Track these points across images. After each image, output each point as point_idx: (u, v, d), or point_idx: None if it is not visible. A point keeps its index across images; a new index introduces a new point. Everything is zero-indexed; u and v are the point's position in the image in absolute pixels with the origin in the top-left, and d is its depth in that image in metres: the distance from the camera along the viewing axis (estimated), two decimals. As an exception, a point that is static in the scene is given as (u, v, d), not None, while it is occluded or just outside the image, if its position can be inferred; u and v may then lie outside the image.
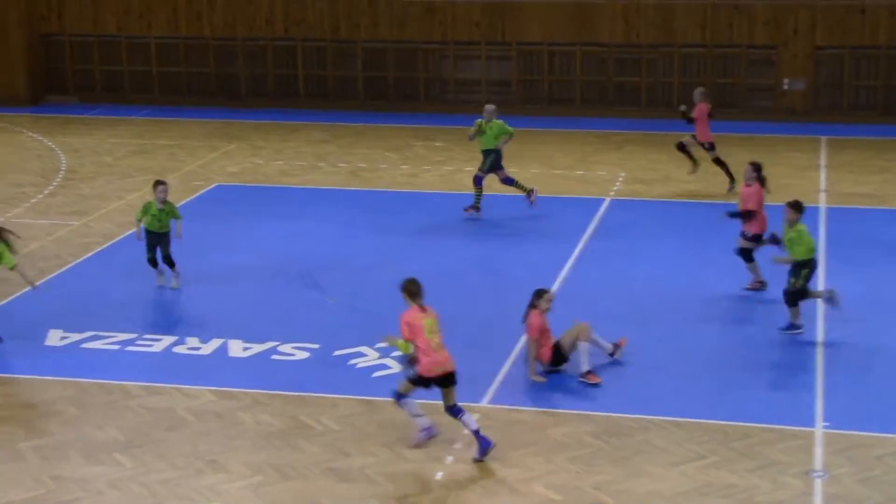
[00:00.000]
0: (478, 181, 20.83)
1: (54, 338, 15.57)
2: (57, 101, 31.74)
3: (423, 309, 12.43)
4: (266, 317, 16.35)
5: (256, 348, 15.19)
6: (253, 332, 15.68)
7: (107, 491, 11.69)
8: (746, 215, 16.97)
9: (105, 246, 19.54)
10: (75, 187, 23.24)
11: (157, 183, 17.65)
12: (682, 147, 22.57)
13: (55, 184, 23.54)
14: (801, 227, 15.45)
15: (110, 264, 18.69)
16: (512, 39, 29.94)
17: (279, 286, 17.68)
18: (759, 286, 17.10)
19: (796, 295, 15.42)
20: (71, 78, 31.97)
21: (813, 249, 15.47)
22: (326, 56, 30.90)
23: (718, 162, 22.41)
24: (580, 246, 19.26)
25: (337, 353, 15.06)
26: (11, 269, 15.59)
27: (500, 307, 16.55)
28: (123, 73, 31.72)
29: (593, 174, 24.05)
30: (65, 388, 14.07)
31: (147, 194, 22.44)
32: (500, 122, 20.98)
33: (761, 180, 17.12)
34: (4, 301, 16.94)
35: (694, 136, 22.36)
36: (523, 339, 14.73)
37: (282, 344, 15.33)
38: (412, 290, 12.51)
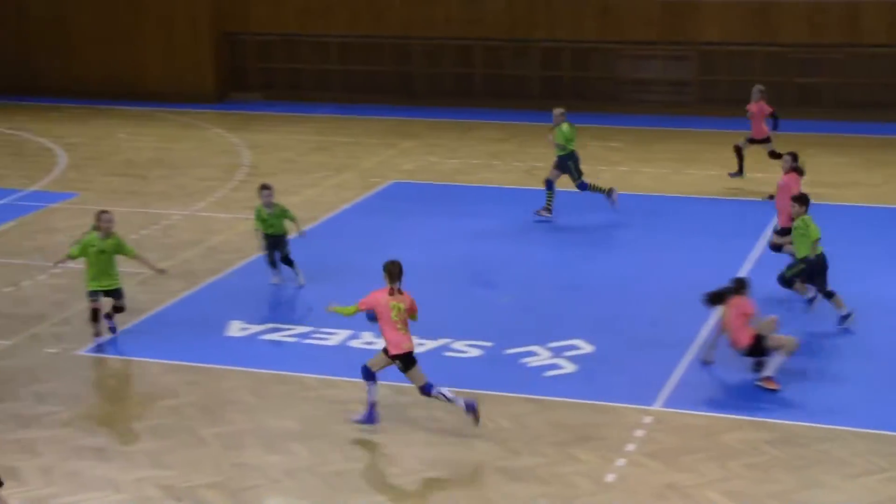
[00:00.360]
0: (583, 187, 20.70)
1: (235, 329, 15.99)
2: (241, 99, 32.59)
3: (398, 292, 12.95)
4: (439, 314, 16.45)
5: (429, 345, 15.32)
6: (426, 328, 15.77)
7: (283, 479, 11.95)
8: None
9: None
10: (257, 182, 23.71)
11: (262, 187, 17.71)
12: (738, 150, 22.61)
13: (238, 179, 24.17)
14: (807, 218, 15.67)
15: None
16: (690, 39, 29.56)
17: (452, 284, 17.82)
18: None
19: (784, 283, 16.03)
20: (254, 76, 32.79)
21: (812, 245, 15.58)
22: (503, 55, 31.01)
23: (773, 154, 22.18)
24: (758, 248, 18.89)
25: (508, 351, 15.11)
26: (133, 258, 15.87)
27: (671, 308, 16.38)
28: (304, 71, 32.39)
29: (776, 177, 23.55)
30: (244, 377, 14.44)
31: (326, 190, 22.92)
32: (568, 127, 20.62)
33: (798, 170, 17.32)
34: (190, 292, 17.45)
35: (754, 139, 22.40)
36: (700, 338, 14.54)
37: (454, 341, 15.44)
38: (392, 271, 13.00)
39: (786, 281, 16.00)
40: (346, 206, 22.00)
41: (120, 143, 27.61)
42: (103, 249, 15.36)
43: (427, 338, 15.48)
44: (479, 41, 31.13)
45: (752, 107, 22.31)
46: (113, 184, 23.72)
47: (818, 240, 15.69)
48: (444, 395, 12.89)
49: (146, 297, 17.14)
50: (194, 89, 32.21)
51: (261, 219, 17.59)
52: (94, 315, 15.35)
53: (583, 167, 20.95)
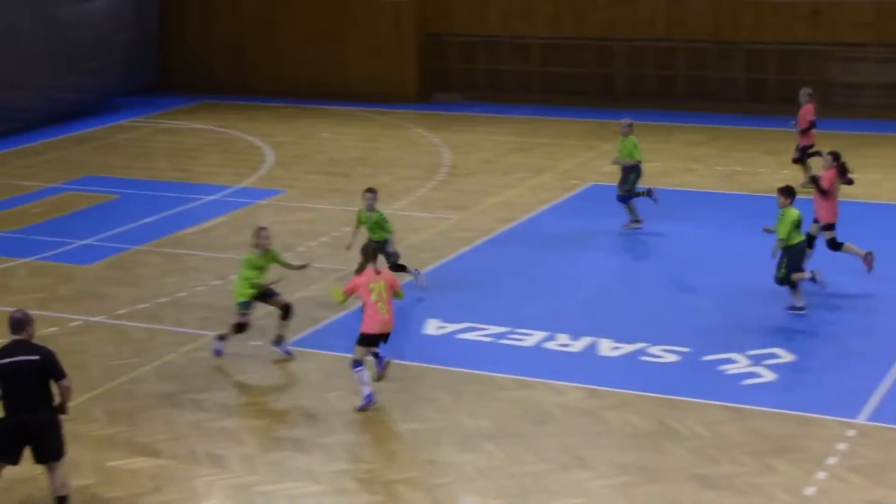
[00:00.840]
0: (624, 200, 20.29)
1: (432, 327, 16.18)
2: (443, 99, 32.94)
3: (377, 272, 13.63)
4: (637, 317, 16.35)
5: (626, 348, 15.22)
6: (623, 331, 15.72)
7: (477, 478, 12.05)
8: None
9: (483, 240, 20.12)
10: (457, 182, 24.05)
11: (367, 191, 17.61)
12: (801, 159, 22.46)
13: (438, 178, 24.45)
14: (789, 210, 16.10)
15: (487, 258, 19.23)
16: (905, 41, 28.61)
17: (650, 287, 17.65)
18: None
19: (783, 282, 16.33)
20: (456, 76, 33.10)
21: (790, 233, 16.03)
22: (706, 57, 30.55)
23: (797, 161, 22.44)
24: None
25: (706, 357, 14.89)
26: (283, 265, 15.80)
27: (877, 318, 15.92)
28: (505, 72, 32.54)
29: None
30: (440, 375, 14.60)
31: (524, 191, 22.99)
32: (634, 140, 20.14)
33: (840, 168, 17.46)
34: (388, 289, 17.72)
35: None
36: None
37: (651, 346, 15.29)
38: (366, 252, 13.95)
39: (784, 280, 16.35)
40: (543, 207, 22.02)
41: (324, 141, 28.24)
42: (261, 266, 15.42)
43: (623, 341, 15.38)
44: (682, 42, 30.72)
45: None
46: (317, 181, 24.29)
47: (797, 227, 16.13)
48: (361, 379, 13.64)
49: (347, 294, 17.48)
50: (397, 90, 32.72)
51: (362, 221, 17.58)
52: (241, 328, 15.26)
53: (786, 172, 20.47)
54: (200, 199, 23.11)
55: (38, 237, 20.72)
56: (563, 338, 15.64)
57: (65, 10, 30.59)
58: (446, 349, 15.45)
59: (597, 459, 12.37)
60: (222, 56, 34.34)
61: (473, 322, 16.25)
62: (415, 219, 21.42)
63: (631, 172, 20.37)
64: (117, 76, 32.59)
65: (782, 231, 16.12)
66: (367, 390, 13.70)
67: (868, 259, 17.32)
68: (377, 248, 14.72)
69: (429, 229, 20.79)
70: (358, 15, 33.02)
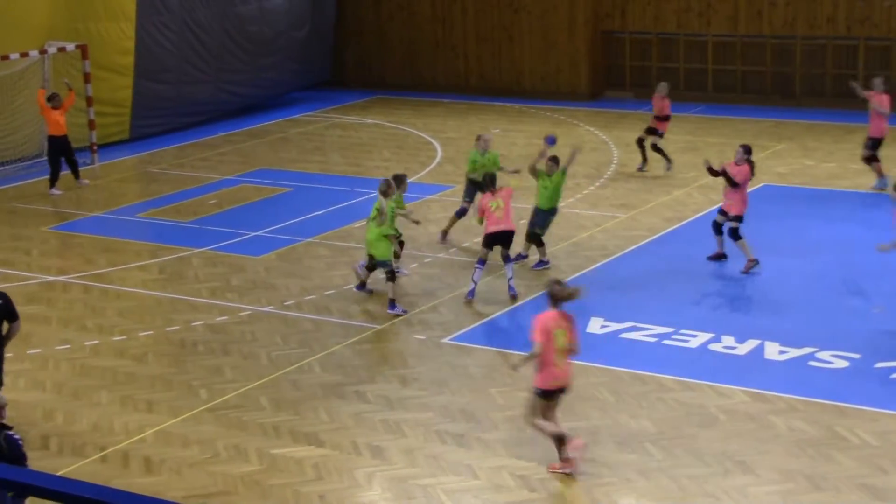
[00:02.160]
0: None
1: (595, 325, 16.07)
2: (614, 97, 32.70)
3: (493, 193, 17.04)
4: (805, 321, 15.96)
5: (793, 353, 14.87)
6: (791, 335, 15.36)
7: (636, 479, 11.93)
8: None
9: (650, 239, 19.90)
10: (625, 181, 23.84)
11: (479, 138, 20.28)
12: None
13: (606, 177, 24.27)
14: None
15: (654, 258, 19.02)
16: None
17: (820, 291, 17.21)
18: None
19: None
20: (629, 74, 32.82)
21: None
22: (891, 56, 29.61)
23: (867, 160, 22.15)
24: None
25: (878, 364, 14.44)
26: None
27: None
28: (679, 70, 32.13)
29: None
30: (602, 374, 14.50)
31: (694, 191, 22.64)
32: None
33: (750, 163, 18.18)
34: (552, 286, 17.67)
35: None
36: None
37: (820, 350, 14.90)
38: (488, 179, 17.30)
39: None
40: (713, 207, 21.62)
41: (495, 138, 28.26)
42: (483, 164, 19.30)
43: (791, 346, 15.03)
44: (864, 41, 29.85)
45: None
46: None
47: None
48: (474, 275, 17.16)
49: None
50: (569, 87, 32.61)
51: (473, 160, 19.71)
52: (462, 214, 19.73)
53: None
54: (371, 193, 23.36)
55: (212, 228, 21.30)
56: (728, 340, 15.36)
57: (245, 7, 31.38)
58: (609, 348, 15.33)
59: (760, 465, 12.11)
60: (396, 52, 34.75)
61: (637, 322, 16.08)
62: (582, 216, 21.31)
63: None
64: (294, 72, 33.30)
65: None
66: (472, 286, 16.87)
67: (749, 265, 17.85)
68: (492, 177, 17.55)
69: (595, 227, 20.66)
70: (531, 12, 33.02)
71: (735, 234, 18.07)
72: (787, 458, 12.24)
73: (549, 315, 12.04)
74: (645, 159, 24.35)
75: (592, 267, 18.51)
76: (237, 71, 31.40)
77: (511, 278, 17.17)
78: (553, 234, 20.19)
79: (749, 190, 20.44)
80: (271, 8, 32.18)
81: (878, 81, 22.36)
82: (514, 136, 28.52)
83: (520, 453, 12.56)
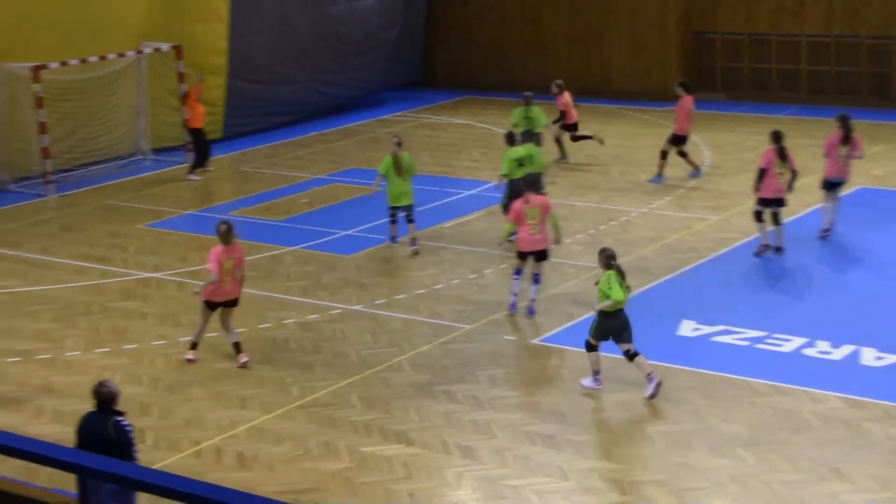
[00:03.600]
0: None
1: (686, 328, 15.95)
2: (705, 98, 32.38)
3: (526, 201, 16.15)
4: (902, 327, 15.70)
5: (890, 359, 14.62)
6: (888, 341, 15.11)
7: (728, 484, 11.81)
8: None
9: (742, 242, 19.69)
10: (716, 182, 23.62)
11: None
12: None
13: (698, 178, 24.05)
14: None
15: (745, 261, 18.82)
16: None
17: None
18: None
19: None
20: (720, 75, 32.50)
21: None
22: None
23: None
24: None
25: (980, 372, 14.16)
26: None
27: None
28: (771, 70, 31.74)
29: None
30: (693, 378, 14.38)
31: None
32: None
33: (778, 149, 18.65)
34: (644, 289, 17.57)
35: None
36: None
37: (917, 357, 14.64)
38: (529, 182, 16.85)
39: None
40: (806, 210, 21.37)
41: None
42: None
43: (888, 352, 14.80)
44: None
45: None
46: (576, 178, 24.28)
47: None
48: (511, 286, 16.75)
49: (601, 292, 17.43)
50: (659, 88, 32.36)
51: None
52: None
53: None
54: (460, 193, 23.46)
55: (303, 226, 21.48)
56: (823, 345, 15.15)
57: (337, 8, 31.60)
58: (700, 351, 15.20)
59: (856, 472, 11.93)
60: (485, 53, 34.77)
61: (729, 325, 15.92)
62: (672, 218, 21.15)
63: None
64: (384, 72, 33.47)
65: None
66: (511, 298, 16.52)
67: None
68: (535, 181, 17.40)
69: (686, 229, 20.49)
70: (621, 12, 32.85)
71: (756, 216, 18.83)
72: (885, 467, 12.04)
73: (218, 249, 14.93)
74: (696, 166, 24.00)
75: (683, 269, 18.36)
76: (328, 71, 31.63)
77: (535, 300, 16.57)
78: (644, 236, 20.10)
79: (844, 193, 20.20)
80: (362, 8, 32.38)
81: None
82: (604, 136, 28.35)
83: (610, 455, 12.51)
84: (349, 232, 20.98)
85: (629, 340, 13.83)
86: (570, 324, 16.27)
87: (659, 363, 14.77)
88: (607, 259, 13.80)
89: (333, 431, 13.26)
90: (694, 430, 13.02)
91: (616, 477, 12.04)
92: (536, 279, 16.53)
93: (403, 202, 19.60)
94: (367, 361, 15.23)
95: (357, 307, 17.23)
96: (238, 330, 15.87)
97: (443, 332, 16.11)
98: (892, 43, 30.07)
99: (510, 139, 20.00)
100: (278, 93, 30.24)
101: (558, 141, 25.67)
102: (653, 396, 13.68)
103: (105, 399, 10.22)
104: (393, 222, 19.88)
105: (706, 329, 15.86)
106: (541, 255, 16.44)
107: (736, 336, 15.59)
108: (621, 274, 13.76)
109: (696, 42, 32.60)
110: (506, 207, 19.73)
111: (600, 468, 12.25)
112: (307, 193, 23.88)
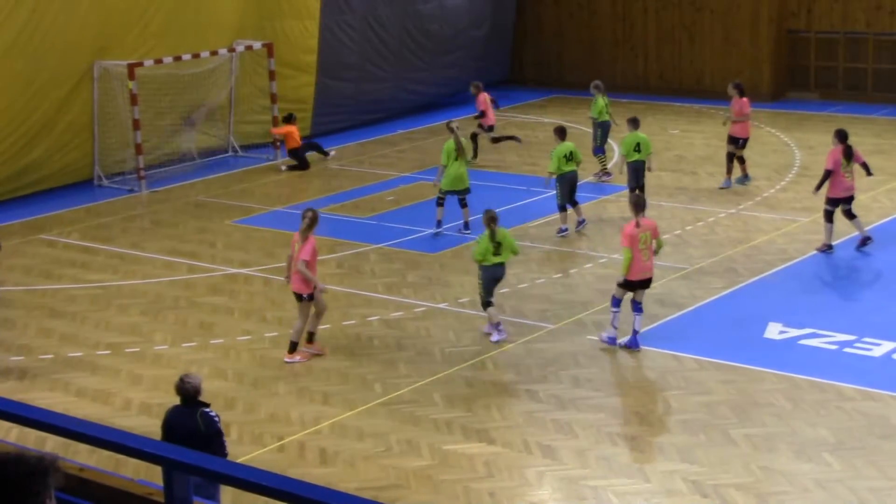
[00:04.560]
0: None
1: (773, 331, 15.75)
2: (797, 98, 31.95)
3: (638, 224, 15.01)
4: None
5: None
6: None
7: (813, 489, 11.64)
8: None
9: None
10: (807, 184, 23.22)
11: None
12: None
13: (787, 179, 23.75)
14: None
15: (836, 263, 18.55)
16: None
17: None
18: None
19: None
20: (813, 74, 32.03)
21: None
22: None
23: None
24: None
25: None
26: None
27: None
28: (867, 70, 31.21)
29: None
30: (779, 381, 14.19)
31: (881, 195, 21.98)
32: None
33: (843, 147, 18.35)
34: (730, 290, 17.40)
35: None
36: None
37: None
38: (636, 203, 15.28)
39: None
40: (898, 212, 21.02)
41: (672, 138, 27.99)
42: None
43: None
44: None
45: None
46: (663, 179, 24.07)
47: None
48: (612, 319, 15.38)
49: (687, 292, 17.30)
50: (751, 87, 31.87)
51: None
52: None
53: None
54: (546, 192, 23.35)
55: (389, 224, 21.58)
56: (887, 345, 14.87)
57: (426, 6, 31.70)
58: (787, 354, 14.99)
59: (944, 480, 11.70)
60: (575, 51, 34.64)
61: (817, 328, 15.69)
62: (761, 220, 20.90)
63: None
64: (473, 70, 33.44)
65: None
66: (612, 332, 15.34)
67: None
68: (639, 198, 15.98)
69: (775, 231, 20.23)
70: (715, 10, 32.51)
71: (827, 216, 18.74)
72: (973, 474, 11.80)
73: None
74: (746, 175, 23.42)
75: (772, 271, 18.13)
76: (417, 69, 31.74)
77: (638, 331, 15.36)
78: (731, 238, 19.89)
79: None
80: (452, 6, 32.44)
81: None
82: (694, 136, 28.15)
83: (692, 458, 12.39)
84: (434, 230, 21.00)
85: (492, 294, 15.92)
86: (654, 325, 16.14)
87: (745, 365, 14.63)
88: (488, 220, 15.64)
89: (415, 429, 13.30)
90: (779, 433, 12.85)
91: (698, 479, 11.92)
92: (639, 308, 15.32)
93: (460, 186, 20.13)
94: (450, 359, 15.26)
95: (441, 305, 17.26)
96: (322, 326, 15.99)
97: (526, 332, 16.08)
98: None
99: (561, 133, 20.46)
100: (367, 91, 30.42)
101: (474, 138, 25.97)
102: (496, 342, 15.49)
103: (189, 394, 10.40)
104: (440, 205, 20.46)
105: (793, 332, 15.65)
106: (647, 283, 15.46)
107: (824, 339, 15.36)
108: (493, 234, 15.51)
109: (790, 41, 32.15)
110: (561, 207, 20.28)
111: (682, 470, 12.14)
112: (394, 191, 23.98)
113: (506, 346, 15.63)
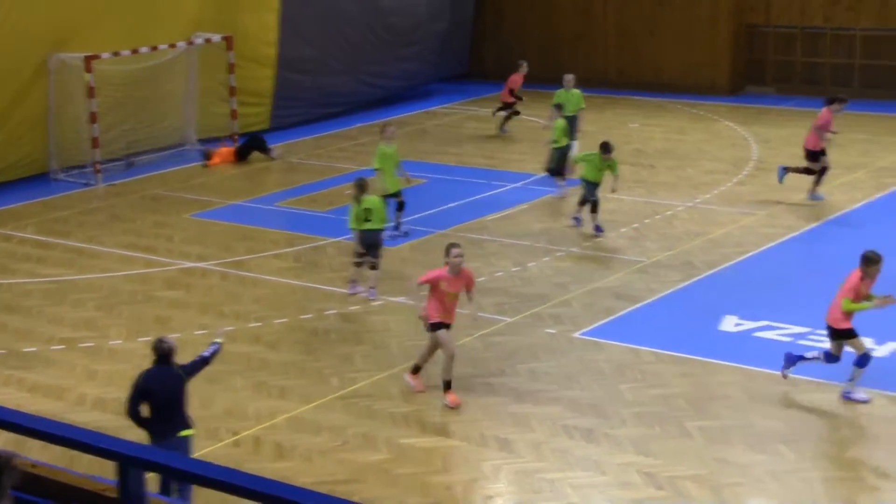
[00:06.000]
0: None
1: (729, 324, 15.84)
2: (755, 92, 32.14)
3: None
4: (949, 325, 15.50)
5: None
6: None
7: (767, 481, 11.72)
8: None
9: (787, 238, 19.55)
10: (764, 177, 23.41)
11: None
12: None
13: (744, 173, 23.89)
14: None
15: (791, 256, 18.68)
16: None
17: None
18: None
19: None
20: (771, 69, 32.22)
21: None
22: None
23: None
24: None
25: None
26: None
27: None
28: (824, 65, 31.42)
29: None
30: (734, 373, 14.29)
31: (835, 189, 22.12)
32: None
33: None
34: (687, 283, 17.49)
35: None
36: None
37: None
38: (871, 257, 13.40)
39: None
40: (854, 206, 21.18)
41: (631, 132, 28.08)
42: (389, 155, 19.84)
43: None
44: None
45: None
46: (622, 172, 24.09)
47: None
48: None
49: (643, 286, 17.37)
50: (709, 81, 32.15)
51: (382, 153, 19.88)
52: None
53: None
54: (505, 185, 23.43)
55: (347, 218, 21.47)
56: (866, 341, 14.97)
57: (387, -1, 31.65)
58: (743, 347, 15.09)
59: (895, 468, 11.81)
60: (534, 45, 34.65)
61: (773, 321, 15.80)
62: (718, 213, 21.02)
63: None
64: (432, 64, 33.47)
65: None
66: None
67: None
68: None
69: (732, 224, 20.35)
70: (673, 5, 32.63)
71: None
72: (925, 465, 11.93)
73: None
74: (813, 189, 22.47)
75: (728, 264, 18.24)
76: (376, 62, 31.66)
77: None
78: (688, 231, 19.99)
79: (891, 190, 19.95)
80: (412, 0, 32.37)
81: None
82: (653, 130, 28.26)
83: (648, 450, 12.45)
84: (393, 224, 20.96)
85: (375, 257, 17.12)
86: (611, 318, 16.21)
87: (701, 358, 14.71)
88: (357, 188, 17.11)
89: (372, 423, 13.29)
90: (734, 425, 12.93)
91: (653, 472, 11.98)
92: None
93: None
94: (408, 353, 15.23)
95: (399, 299, 17.24)
96: (279, 320, 15.94)
97: (484, 325, 16.08)
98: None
99: (559, 108, 23.18)
100: (326, 84, 30.32)
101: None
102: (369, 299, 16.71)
103: (166, 353, 11.11)
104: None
105: (749, 324, 15.76)
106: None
107: (779, 332, 15.47)
108: (359, 202, 16.94)
109: (748, 35, 32.32)
110: (552, 172, 21.72)
111: (638, 463, 12.19)
112: (352, 185, 23.87)
113: (464, 340, 15.63)
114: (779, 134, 27.26)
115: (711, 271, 17.92)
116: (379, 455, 12.53)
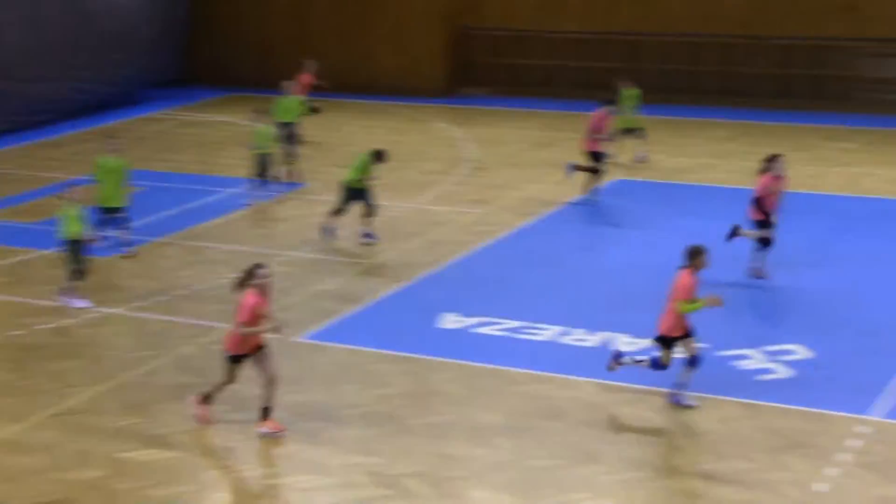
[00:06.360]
0: None
1: (448, 321, 16.13)
2: (469, 93, 32.87)
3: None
4: (655, 312, 16.14)
5: (641, 343, 15.06)
6: (640, 327, 15.58)
7: (487, 472, 11.96)
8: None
9: (504, 235, 20.06)
10: (480, 177, 23.98)
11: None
12: None
13: (462, 173, 24.39)
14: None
15: (508, 253, 19.18)
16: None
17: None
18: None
19: None
20: (484, 71, 33.00)
21: None
22: (735, 52, 30.36)
23: None
24: None
25: (721, 353, 14.78)
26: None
27: (891, 313, 15.75)
28: (534, 66, 32.43)
29: None
30: (454, 369, 14.55)
31: (548, 186, 22.84)
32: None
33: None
34: (408, 283, 17.72)
35: None
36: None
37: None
38: (698, 249, 13.38)
39: None
40: (567, 202, 21.93)
41: (349, 135, 28.23)
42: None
43: (640, 336, 15.26)
44: (711, 37, 30.53)
45: None
46: (340, 175, 24.16)
47: None
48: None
49: (364, 287, 17.49)
50: (424, 83, 32.67)
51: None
52: None
53: (812, 168, 20.29)
54: (223, 191, 23.14)
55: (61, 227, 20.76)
56: (579, 333, 15.56)
57: (93, 3, 30.70)
58: (462, 343, 15.40)
59: (608, 455, 12.28)
60: (250, 49, 34.39)
61: (490, 316, 16.19)
62: (437, 212, 21.38)
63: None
64: (145, 68, 32.71)
65: None
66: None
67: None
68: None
69: (450, 223, 20.74)
70: (386, 8, 33.01)
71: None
72: (634, 447, 12.48)
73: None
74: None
75: (446, 263, 18.57)
76: (87, 68, 30.67)
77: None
78: (407, 231, 20.25)
79: (601, 185, 20.76)
80: (120, 3, 31.55)
81: None
82: (370, 132, 28.51)
83: (372, 450, 12.53)
84: (107, 233, 20.37)
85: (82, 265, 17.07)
86: (333, 320, 16.25)
87: (422, 356, 14.92)
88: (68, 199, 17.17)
89: (89, 439, 12.86)
90: (454, 420, 13.17)
91: (378, 471, 12.05)
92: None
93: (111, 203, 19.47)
94: (125, 365, 14.85)
95: (115, 310, 16.78)
96: (-12, 338, 15.23)
97: (204, 333, 15.84)
98: (645, 39, 31.11)
99: (263, 113, 22.71)
100: (33, 91, 29.18)
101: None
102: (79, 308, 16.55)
103: None
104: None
105: (467, 321, 16.08)
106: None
107: (496, 327, 15.86)
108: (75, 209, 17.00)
109: (461, 38, 33.02)
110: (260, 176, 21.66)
111: (363, 462, 12.25)
112: (61, 196, 23.06)
113: (183, 348, 15.35)
114: (492, 134, 27.97)
115: (432, 271, 18.21)
116: (96, 472, 12.13)
